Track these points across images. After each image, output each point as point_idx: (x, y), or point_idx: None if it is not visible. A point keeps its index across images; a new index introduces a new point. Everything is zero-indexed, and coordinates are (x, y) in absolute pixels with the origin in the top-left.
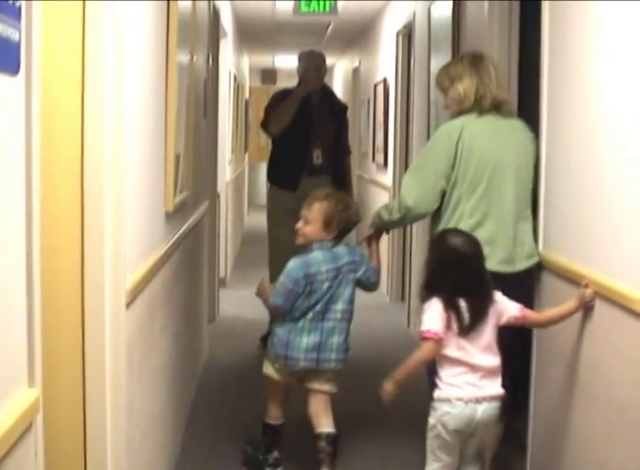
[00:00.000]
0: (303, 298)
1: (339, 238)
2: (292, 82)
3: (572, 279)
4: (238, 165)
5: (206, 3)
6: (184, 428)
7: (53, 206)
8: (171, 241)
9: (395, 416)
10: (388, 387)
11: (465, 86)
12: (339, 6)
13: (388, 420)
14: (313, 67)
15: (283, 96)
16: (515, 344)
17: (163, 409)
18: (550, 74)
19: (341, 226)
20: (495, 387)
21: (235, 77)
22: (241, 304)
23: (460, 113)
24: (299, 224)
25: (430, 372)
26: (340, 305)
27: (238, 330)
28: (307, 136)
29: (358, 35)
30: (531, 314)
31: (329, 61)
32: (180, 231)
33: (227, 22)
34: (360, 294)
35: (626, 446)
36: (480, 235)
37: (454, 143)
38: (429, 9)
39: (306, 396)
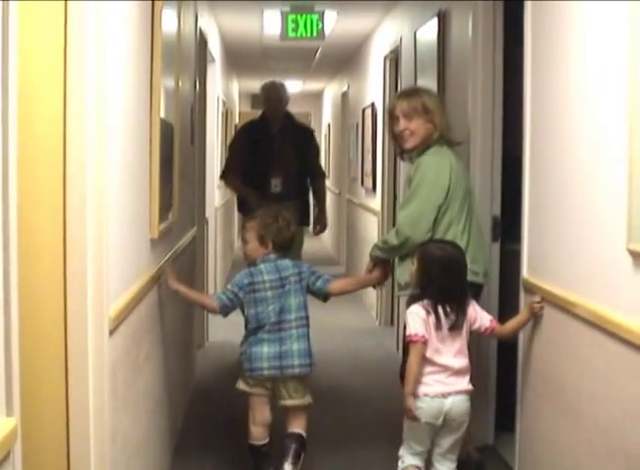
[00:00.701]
0: (250, 306)
1: (280, 251)
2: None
3: (557, 304)
4: (227, 191)
5: (193, 28)
6: (172, 454)
7: (34, 232)
8: (157, 267)
9: (383, 439)
10: (409, 403)
11: (440, 119)
12: (326, 31)
13: (376, 444)
14: (273, 98)
15: (246, 133)
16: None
17: (150, 435)
18: (533, 97)
19: (275, 239)
20: (463, 383)
21: (224, 102)
22: (230, 329)
23: (423, 142)
24: (242, 246)
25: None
26: (293, 315)
27: (227, 355)
28: (267, 166)
29: (347, 60)
30: (498, 326)
31: (318, 85)
32: (166, 257)
33: (215, 47)
34: (350, 318)
35: None
36: (470, 252)
37: (449, 175)
38: (415, 33)
39: (286, 415)
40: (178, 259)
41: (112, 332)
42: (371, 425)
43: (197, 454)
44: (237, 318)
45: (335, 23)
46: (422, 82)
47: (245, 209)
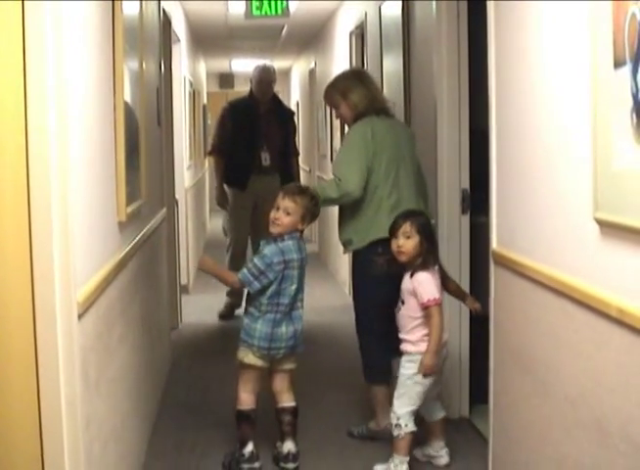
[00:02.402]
0: (277, 283)
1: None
2: (248, 87)
3: (525, 275)
4: (198, 171)
5: (155, 9)
6: (148, 437)
7: None
8: (126, 250)
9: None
10: (431, 360)
11: (356, 96)
12: (291, 8)
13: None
14: (265, 81)
15: (233, 112)
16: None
17: (125, 420)
18: (497, 72)
19: (310, 222)
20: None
21: (191, 83)
22: (204, 310)
23: (356, 118)
24: (278, 214)
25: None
26: (301, 295)
27: (201, 336)
28: (256, 141)
29: (313, 37)
30: None
31: (285, 63)
32: (135, 240)
33: (180, 27)
34: (323, 295)
35: (582, 441)
36: (399, 211)
37: (370, 139)
38: (379, 8)
39: (270, 376)
40: (149, 241)
41: (80, 316)
42: (349, 403)
43: (174, 436)
44: (211, 299)
45: (299, 1)
46: (388, 58)
47: (232, 181)
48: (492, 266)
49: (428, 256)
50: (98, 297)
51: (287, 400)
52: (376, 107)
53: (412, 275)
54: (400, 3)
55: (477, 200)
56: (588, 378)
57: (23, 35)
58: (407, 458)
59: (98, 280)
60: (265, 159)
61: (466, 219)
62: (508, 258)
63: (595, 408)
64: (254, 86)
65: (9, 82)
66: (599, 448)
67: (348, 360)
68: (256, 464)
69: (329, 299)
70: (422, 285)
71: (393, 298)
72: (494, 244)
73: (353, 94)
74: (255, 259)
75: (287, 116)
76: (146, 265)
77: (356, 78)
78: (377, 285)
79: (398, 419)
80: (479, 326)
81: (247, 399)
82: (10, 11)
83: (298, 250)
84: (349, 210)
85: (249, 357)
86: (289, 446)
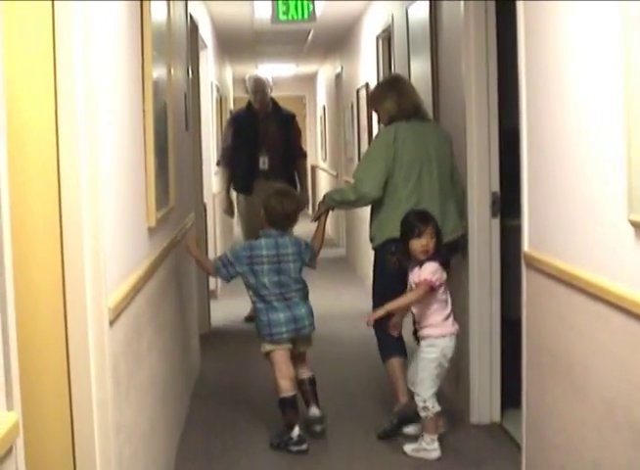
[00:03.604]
0: (250, 276)
1: (277, 228)
2: (275, 91)
3: (559, 277)
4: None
5: (183, 15)
6: (178, 442)
7: (30, 225)
8: (155, 256)
9: None
10: (378, 314)
11: (388, 103)
12: (317, 13)
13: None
14: (259, 90)
15: (235, 122)
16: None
17: (155, 425)
18: (528, 72)
19: (269, 217)
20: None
21: (217, 88)
22: (232, 315)
23: (390, 121)
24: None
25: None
26: (292, 286)
27: (230, 341)
28: (255, 147)
29: (339, 41)
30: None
31: (311, 68)
32: (165, 245)
33: (206, 33)
34: (351, 300)
35: (617, 444)
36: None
37: (392, 143)
38: (406, 11)
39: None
40: (178, 246)
41: (112, 323)
42: (379, 409)
43: (203, 441)
44: (238, 304)
45: (325, 5)
46: (415, 61)
47: (239, 186)
48: (524, 269)
49: (436, 251)
50: (129, 303)
51: (304, 373)
52: (406, 112)
53: (421, 265)
54: (427, 5)
55: (508, 202)
56: (624, 381)
57: (54, 43)
58: (436, 436)
59: (128, 286)
60: (264, 162)
61: (496, 223)
62: (540, 261)
63: (631, 411)
64: (251, 96)
65: (40, 87)
66: (635, 451)
67: (378, 368)
68: (304, 446)
69: (358, 303)
70: (425, 270)
71: (404, 292)
72: (526, 246)
73: (386, 101)
74: (227, 252)
75: (287, 119)
76: (175, 271)
77: (389, 85)
78: (389, 280)
79: (425, 402)
80: (510, 329)
81: (285, 386)
82: (40, 19)
83: (275, 246)
84: (376, 207)
85: (264, 347)
86: (314, 411)
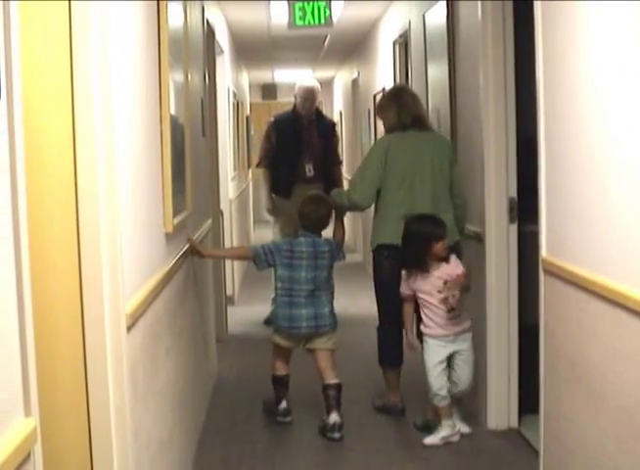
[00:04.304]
0: (285, 269)
1: (311, 231)
2: (291, 97)
3: (577, 283)
4: (241, 182)
5: (199, 20)
6: (195, 449)
7: (48, 232)
8: (172, 262)
9: None
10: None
11: (389, 112)
12: (334, 18)
13: None
14: (309, 99)
15: (278, 126)
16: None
17: (173, 431)
18: (545, 78)
19: (303, 222)
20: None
21: (234, 94)
22: (250, 321)
23: (390, 130)
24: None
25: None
26: (323, 285)
27: (247, 348)
28: (300, 153)
29: (356, 46)
30: None
31: (328, 73)
32: (182, 251)
33: (223, 39)
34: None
35: (638, 451)
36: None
37: (384, 153)
38: (423, 16)
39: (313, 355)
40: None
41: (129, 328)
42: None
43: (221, 449)
44: (256, 310)
45: (342, 10)
46: (432, 66)
47: (279, 190)
48: (542, 275)
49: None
50: (146, 309)
51: (331, 378)
52: (403, 123)
53: (447, 261)
54: (445, 10)
55: (525, 208)
56: None
57: (71, 48)
58: (451, 420)
59: (146, 292)
60: (309, 170)
61: (514, 228)
62: (558, 267)
63: None
64: (299, 103)
65: (57, 92)
66: None
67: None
68: (288, 418)
69: (375, 308)
70: (457, 264)
71: (397, 295)
72: (544, 252)
73: (387, 111)
74: (270, 243)
75: (328, 127)
76: (192, 276)
77: (391, 96)
78: (383, 285)
79: (434, 394)
80: (527, 335)
81: (279, 367)
82: (57, 24)
83: (312, 244)
84: (374, 213)
85: (275, 338)
86: (334, 417)
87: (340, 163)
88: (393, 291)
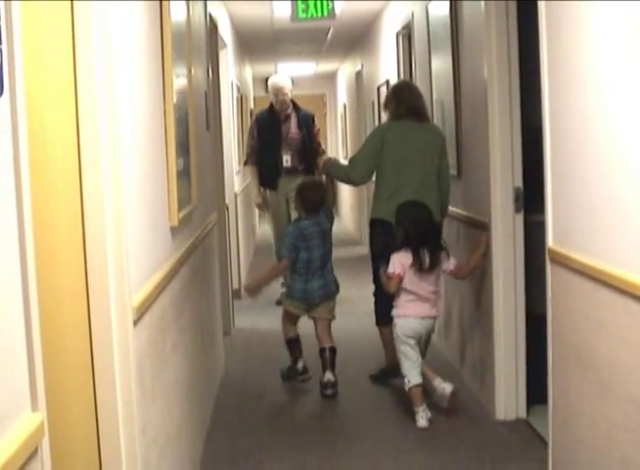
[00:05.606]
0: (304, 250)
1: (312, 211)
2: (295, 90)
3: (584, 272)
4: (246, 176)
5: (202, 14)
6: (203, 442)
7: (53, 226)
8: (178, 255)
9: None
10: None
11: (389, 105)
12: (337, 10)
13: None
14: (280, 92)
15: (258, 123)
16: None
17: (180, 425)
18: (550, 67)
19: (304, 205)
20: (432, 310)
21: (238, 88)
22: (256, 314)
23: (390, 118)
24: None
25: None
26: (328, 257)
27: (254, 342)
28: (278, 145)
29: (359, 39)
30: (460, 268)
31: (332, 66)
32: (187, 245)
33: (226, 33)
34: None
35: None
36: (396, 200)
37: (380, 139)
38: (426, 8)
39: (314, 323)
40: (200, 246)
41: (136, 322)
42: (398, 399)
43: (228, 443)
44: (261, 304)
45: (345, 2)
46: (436, 58)
47: (265, 182)
48: (548, 264)
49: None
50: (152, 303)
51: (327, 342)
52: (401, 114)
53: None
54: (448, 2)
55: (531, 197)
56: None
57: (73, 44)
58: (421, 407)
59: (152, 286)
60: (287, 160)
61: (520, 218)
62: (564, 256)
63: None
64: (272, 98)
65: (60, 88)
66: None
67: None
68: (308, 374)
69: None
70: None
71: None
72: (550, 241)
73: (389, 104)
74: (286, 239)
75: (306, 119)
76: (198, 270)
77: (393, 90)
78: (377, 256)
79: (403, 376)
80: (535, 325)
81: (291, 330)
82: (59, 21)
83: (317, 223)
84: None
85: (287, 305)
86: (328, 376)
87: (323, 152)
88: (384, 258)
